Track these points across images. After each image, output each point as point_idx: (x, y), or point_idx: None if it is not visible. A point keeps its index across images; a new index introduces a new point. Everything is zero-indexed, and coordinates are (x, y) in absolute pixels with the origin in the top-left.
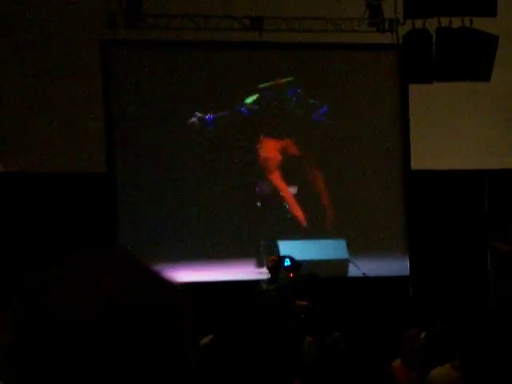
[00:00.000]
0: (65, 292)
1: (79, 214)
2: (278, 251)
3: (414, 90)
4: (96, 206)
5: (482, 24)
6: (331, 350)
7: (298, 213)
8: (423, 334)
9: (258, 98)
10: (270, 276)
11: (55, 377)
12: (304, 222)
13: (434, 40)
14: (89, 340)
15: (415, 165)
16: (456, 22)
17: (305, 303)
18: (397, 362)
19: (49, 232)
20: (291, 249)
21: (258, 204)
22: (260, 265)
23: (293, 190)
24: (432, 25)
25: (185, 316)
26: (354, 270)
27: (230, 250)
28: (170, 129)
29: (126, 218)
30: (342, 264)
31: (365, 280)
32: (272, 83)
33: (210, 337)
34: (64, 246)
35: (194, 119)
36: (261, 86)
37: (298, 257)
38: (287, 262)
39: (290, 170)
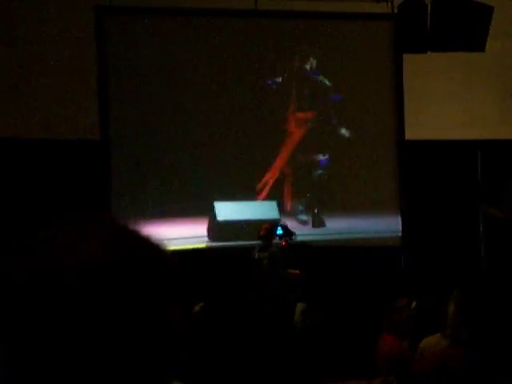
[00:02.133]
0: (53, 254)
1: (72, 180)
2: (214, 211)
3: (409, 60)
4: (89, 172)
5: None
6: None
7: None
8: (414, 304)
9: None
10: (262, 244)
11: (40, 338)
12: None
13: (429, 10)
14: (74, 301)
15: (409, 135)
16: None
17: (297, 272)
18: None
19: (42, 198)
20: (225, 209)
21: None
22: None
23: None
24: None
25: (171, 279)
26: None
27: None
28: (165, 95)
29: (119, 184)
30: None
31: (357, 249)
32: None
33: (201, 304)
34: (56, 212)
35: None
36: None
37: (233, 217)
38: (279, 231)
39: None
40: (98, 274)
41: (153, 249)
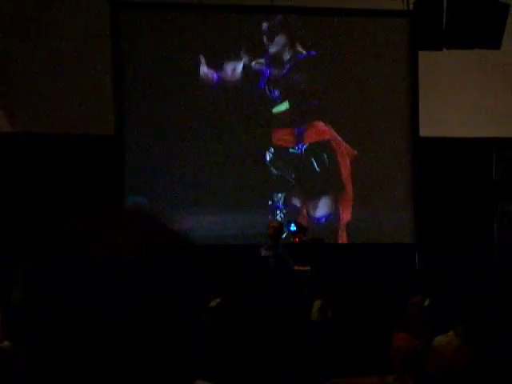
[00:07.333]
0: (87, 247)
1: (87, 174)
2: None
3: (424, 57)
4: (104, 167)
5: None
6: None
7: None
8: (427, 301)
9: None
10: (269, 242)
11: (67, 334)
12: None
13: (444, 7)
14: (108, 296)
15: (424, 132)
16: None
17: (306, 268)
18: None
19: (56, 192)
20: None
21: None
22: None
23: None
24: None
25: (203, 278)
26: None
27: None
28: (179, 90)
29: (133, 179)
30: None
31: (370, 246)
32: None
33: (218, 300)
34: (71, 207)
35: (203, 75)
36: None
37: None
38: (293, 227)
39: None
40: (130, 270)
41: (191, 246)
